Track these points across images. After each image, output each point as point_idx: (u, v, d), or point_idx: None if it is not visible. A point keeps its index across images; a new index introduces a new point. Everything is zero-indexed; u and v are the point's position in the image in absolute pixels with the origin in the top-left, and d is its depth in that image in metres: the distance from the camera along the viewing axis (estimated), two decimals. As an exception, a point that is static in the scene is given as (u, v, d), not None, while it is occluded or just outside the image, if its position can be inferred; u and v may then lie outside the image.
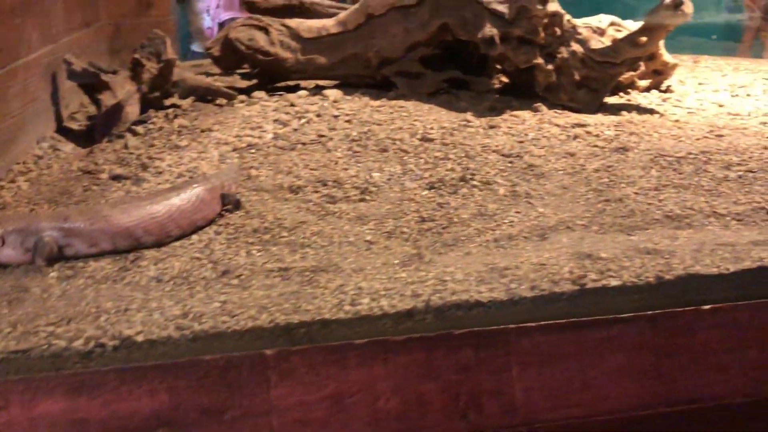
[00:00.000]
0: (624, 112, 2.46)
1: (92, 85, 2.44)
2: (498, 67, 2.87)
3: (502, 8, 2.43)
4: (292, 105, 2.60)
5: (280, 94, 2.76)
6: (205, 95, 2.68)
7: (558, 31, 2.45)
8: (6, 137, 1.98)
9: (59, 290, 1.24)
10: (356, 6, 2.85)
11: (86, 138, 2.43)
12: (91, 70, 2.42)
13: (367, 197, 1.69)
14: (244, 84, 3.06)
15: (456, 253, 1.39)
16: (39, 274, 1.29)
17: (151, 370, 1.04)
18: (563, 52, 2.50)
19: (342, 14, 2.91)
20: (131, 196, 1.64)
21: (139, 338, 1.08)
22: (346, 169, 1.90)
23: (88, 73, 2.42)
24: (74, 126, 2.58)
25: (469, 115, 2.41)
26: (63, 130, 2.48)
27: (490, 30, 2.43)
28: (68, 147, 2.26)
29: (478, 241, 1.44)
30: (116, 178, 1.86)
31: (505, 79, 2.91)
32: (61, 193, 1.78)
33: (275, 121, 2.40)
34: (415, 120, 2.37)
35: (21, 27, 2.18)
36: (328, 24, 2.91)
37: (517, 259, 1.33)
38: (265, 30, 2.91)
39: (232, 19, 4.56)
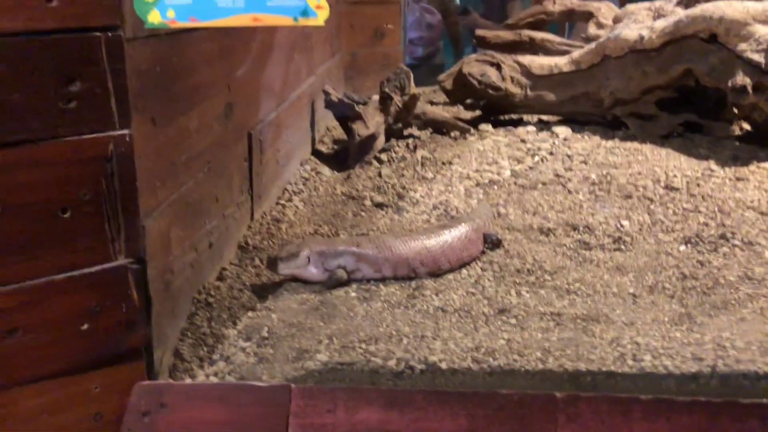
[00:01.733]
0: None
1: (346, 114, 2.71)
2: (735, 112, 2.77)
3: (758, 57, 2.35)
4: (523, 141, 2.70)
5: (508, 129, 2.88)
6: (441, 128, 2.86)
7: (821, 83, 2.32)
8: (285, 160, 2.27)
9: (362, 310, 1.43)
10: (591, 46, 2.89)
11: (336, 161, 2.69)
12: (346, 101, 2.68)
13: (622, 247, 1.74)
14: (467, 115, 3.21)
15: (728, 317, 1.40)
16: (342, 293, 1.49)
17: (454, 395, 1.17)
18: (823, 105, 2.36)
19: (575, 53, 2.96)
20: (409, 231, 1.81)
21: (443, 365, 1.22)
22: (593, 214, 1.95)
23: (343, 104, 2.68)
24: (324, 149, 2.87)
25: (712, 164, 2.36)
26: (316, 153, 2.77)
27: (742, 79, 2.36)
28: (326, 170, 2.52)
29: (750, 307, 1.43)
30: (379, 206, 2.07)
31: (746, 126, 2.80)
32: (334, 216, 2.02)
33: (509, 157, 2.51)
34: (654, 165, 2.36)
35: (297, 63, 2.48)
36: (560, 62, 2.97)
37: (798, 331, 1.31)
38: (497, 66, 3.04)
39: (420, 38, 4.85)
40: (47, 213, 1.05)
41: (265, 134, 1.99)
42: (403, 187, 2.22)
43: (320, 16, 1.04)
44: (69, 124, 1.04)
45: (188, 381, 1.28)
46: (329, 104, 2.72)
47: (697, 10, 2.57)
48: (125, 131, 1.09)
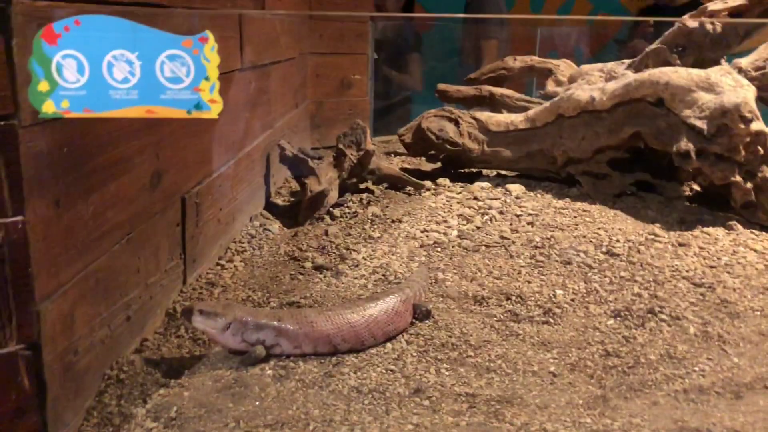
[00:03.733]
0: (832, 239, 2.29)
1: (300, 169, 2.71)
2: (690, 171, 2.81)
3: (701, 123, 2.39)
4: (476, 198, 2.72)
5: (464, 184, 2.90)
6: (396, 183, 2.87)
7: (761, 150, 2.36)
8: (229, 219, 2.26)
9: (274, 390, 1.40)
10: (547, 105, 2.93)
11: (290, 214, 2.69)
12: (300, 156, 2.70)
13: (551, 320, 1.73)
14: (428, 167, 3.24)
15: (642, 400, 1.39)
16: (258, 371, 1.47)
17: (352, 487, 1.16)
18: (765, 171, 2.39)
19: (531, 111, 3.00)
20: (333, 304, 1.78)
21: (343, 455, 1.20)
22: (529, 282, 1.95)
23: (297, 159, 2.70)
24: (279, 201, 2.87)
25: (657, 228, 2.38)
26: (269, 205, 2.77)
27: (686, 144, 2.39)
28: (275, 226, 2.52)
29: (665, 390, 1.43)
30: (318, 268, 2.06)
31: (696, 187, 2.83)
32: (272, 279, 2.01)
33: (459, 216, 2.52)
34: (600, 228, 2.38)
35: (249, 120, 2.49)
36: (516, 119, 3.01)
37: (709, 418, 1.31)
38: (455, 121, 3.07)
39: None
40: (-67, 301, 1.04)
41: (204, 196, 1.98)
42: (347, 248, 2.21)
43: (213, 110, 1.05)
44: (-44, 213, 1.03)
45: (88, 465, 1.25)
46: (283, 159, 2.73)
47: (646, 74, 2.62)
48: (18, 218, 1.08)
